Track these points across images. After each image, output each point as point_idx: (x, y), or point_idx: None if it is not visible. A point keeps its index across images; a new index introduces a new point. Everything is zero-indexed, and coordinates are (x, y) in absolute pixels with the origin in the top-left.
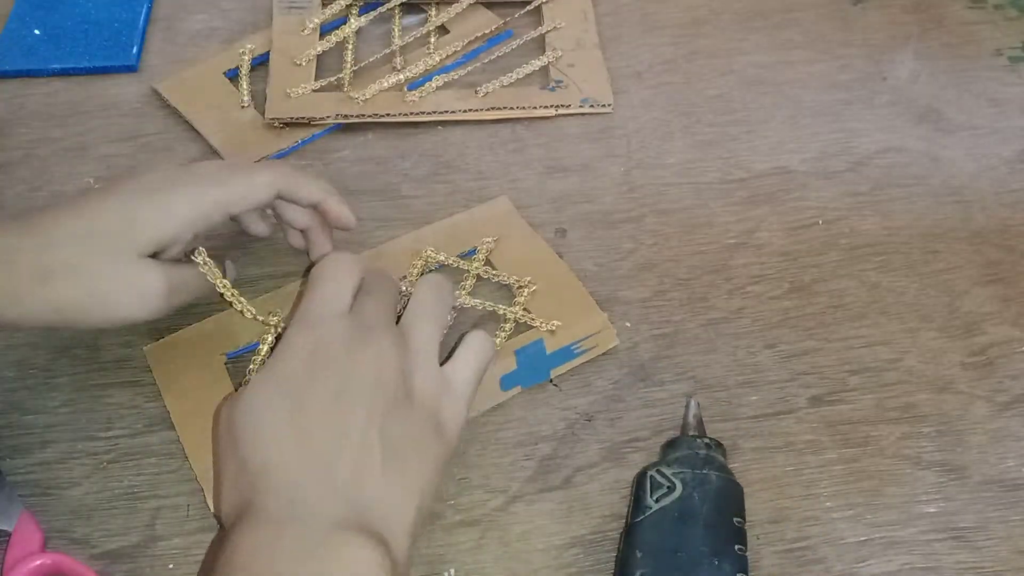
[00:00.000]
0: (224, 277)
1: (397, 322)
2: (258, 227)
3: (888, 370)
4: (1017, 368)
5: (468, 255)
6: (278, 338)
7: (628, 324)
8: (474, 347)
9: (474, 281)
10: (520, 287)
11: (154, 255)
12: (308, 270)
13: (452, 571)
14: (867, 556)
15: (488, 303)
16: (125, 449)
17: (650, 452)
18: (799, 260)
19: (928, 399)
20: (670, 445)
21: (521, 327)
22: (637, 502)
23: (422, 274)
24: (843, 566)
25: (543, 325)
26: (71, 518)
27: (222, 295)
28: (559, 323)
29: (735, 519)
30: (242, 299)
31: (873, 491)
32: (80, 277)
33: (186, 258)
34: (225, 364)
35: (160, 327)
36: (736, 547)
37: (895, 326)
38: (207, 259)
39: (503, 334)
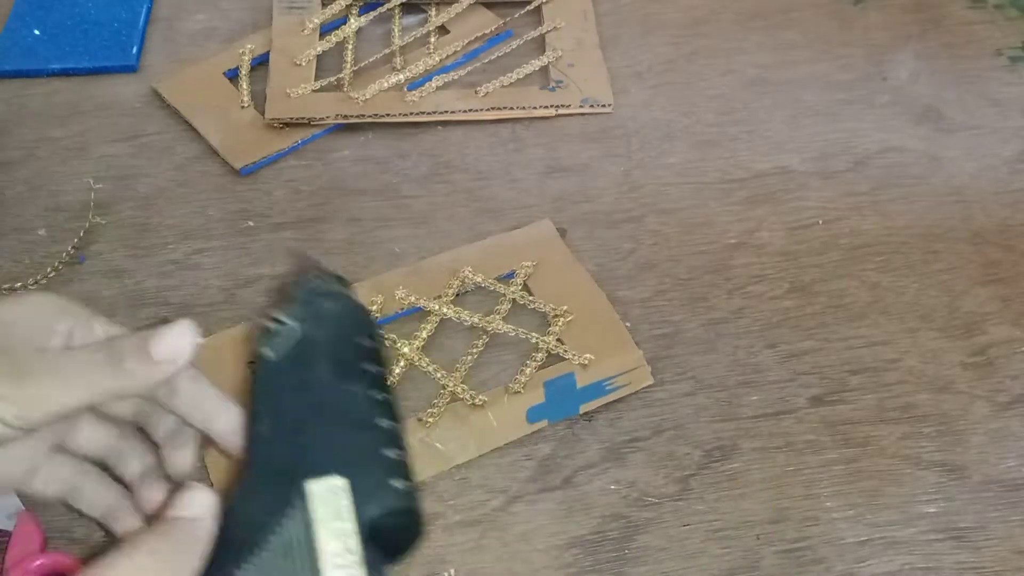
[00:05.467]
0: None
1: None
2: None
3: (888, 370)
4: (1017, 368)
5: (506, 278)
6: None
7: (628, 324)
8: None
9: (510, 306)
10: (556, 316)
11: None
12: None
13: (452, 571)
14: (867, 556)
15: (521, 331)
16: None
17: (650, 452)
18: (799, 260)
19: (928, 399)
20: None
21: (553, 358)
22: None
23: (459, 295)
24: (843, 566)
25: (575, 358)
26: (71, 518)
27: None
28: (592, 357)
29: (358, 339)
30: None
31: (873, 491)
32: None
33: None
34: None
35: None
36: (363, 365)
37: (895, 326)
38: None
39: (534, 364)
